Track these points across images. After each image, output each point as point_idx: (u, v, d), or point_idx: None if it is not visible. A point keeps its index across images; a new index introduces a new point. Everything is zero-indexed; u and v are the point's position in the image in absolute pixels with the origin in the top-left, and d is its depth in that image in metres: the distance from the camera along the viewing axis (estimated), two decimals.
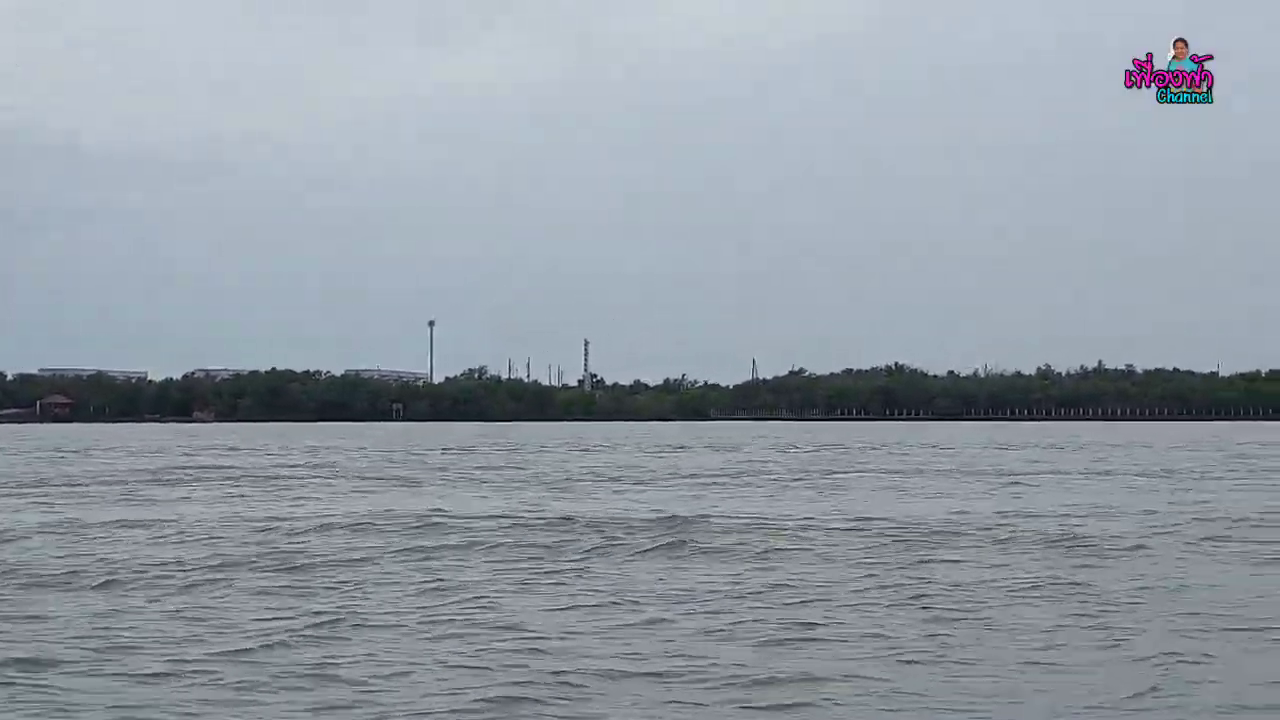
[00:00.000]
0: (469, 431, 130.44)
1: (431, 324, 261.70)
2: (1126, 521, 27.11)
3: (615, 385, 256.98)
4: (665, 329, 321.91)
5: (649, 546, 22.89)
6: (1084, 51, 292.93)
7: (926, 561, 20.68)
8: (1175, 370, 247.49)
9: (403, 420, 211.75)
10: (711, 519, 27.83)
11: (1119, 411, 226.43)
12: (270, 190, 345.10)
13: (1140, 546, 22.60)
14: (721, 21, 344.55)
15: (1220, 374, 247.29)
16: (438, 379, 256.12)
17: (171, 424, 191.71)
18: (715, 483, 43.38)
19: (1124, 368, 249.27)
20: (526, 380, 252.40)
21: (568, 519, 27.76)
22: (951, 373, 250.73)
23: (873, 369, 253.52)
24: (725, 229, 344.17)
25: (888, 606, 16.30)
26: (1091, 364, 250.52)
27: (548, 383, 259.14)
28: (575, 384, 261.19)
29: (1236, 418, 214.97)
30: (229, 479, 45.57)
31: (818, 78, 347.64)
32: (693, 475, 48.11)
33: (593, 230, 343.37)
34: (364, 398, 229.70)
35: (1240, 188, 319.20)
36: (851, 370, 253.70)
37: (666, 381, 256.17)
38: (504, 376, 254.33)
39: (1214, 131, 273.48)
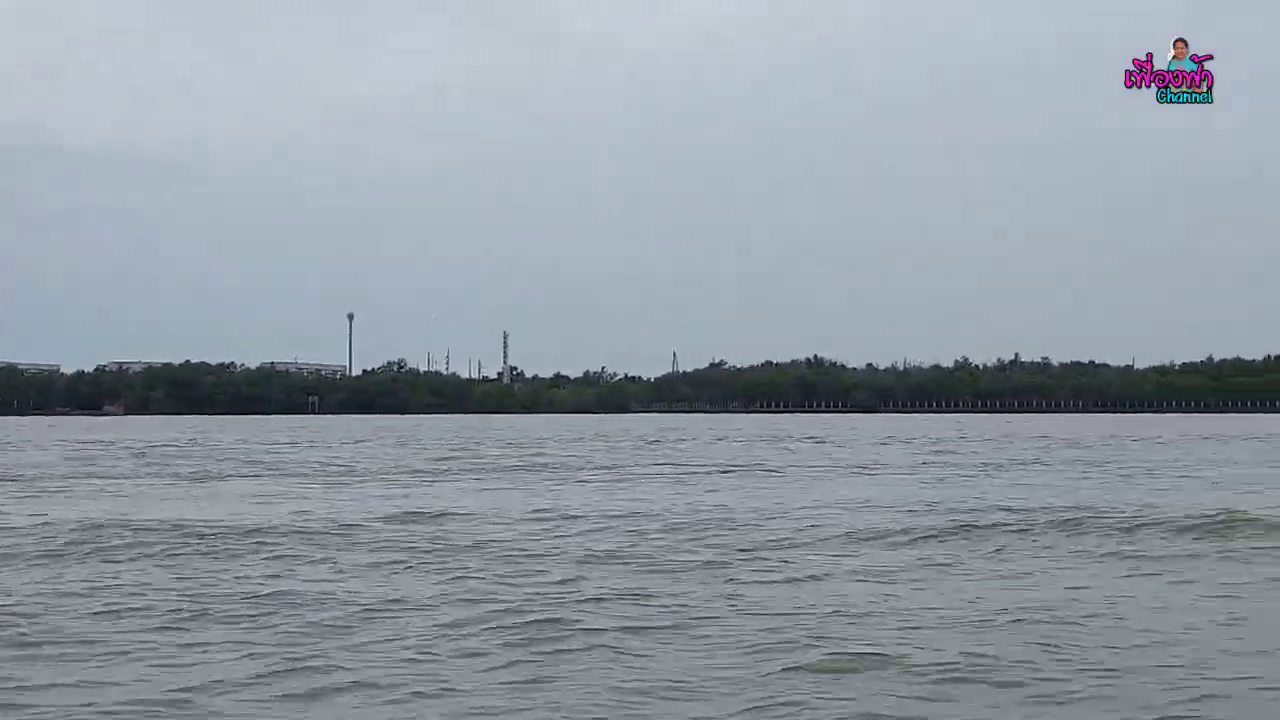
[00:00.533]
0: (365, 426, 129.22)
1: (351, 317, 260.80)
2: (836, 518, 26.55)
3: (535, 378, 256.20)
4: (588, 322, 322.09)
5: (304, 545, 22.16)
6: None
7: (572, 571, 19.99)
8: (1091, 364, 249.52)
9: (318, 413, 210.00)
10: (452, 516, 27.32)
11: (1035, 404, 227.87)
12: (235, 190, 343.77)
13: (789, 544, 22.19)
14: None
15: (1136, 367, 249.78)
16: (357, 372, 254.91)
17: (77, 417, 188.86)
18: (520, 475, 42.72)
19: (1040, 360, 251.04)
20: (445, 373, 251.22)
21: (250, 528, 26.95)
22: (870, 365, 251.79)
23: (793, 361, 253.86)
24: (666, 226, 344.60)
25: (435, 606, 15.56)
26: (1008, 357, 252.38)
27: (467, 375, 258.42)
28: (495, 377, 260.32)
29: (1151, 410, 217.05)
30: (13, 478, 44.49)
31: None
32: (501, 470, 47.42)
33: (533, 228, 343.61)
34: (278, 390, 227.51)
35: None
36: (771, 363, 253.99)
37: (586, 374, 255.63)
38: (423, 369, 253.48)
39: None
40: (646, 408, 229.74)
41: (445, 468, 49.09)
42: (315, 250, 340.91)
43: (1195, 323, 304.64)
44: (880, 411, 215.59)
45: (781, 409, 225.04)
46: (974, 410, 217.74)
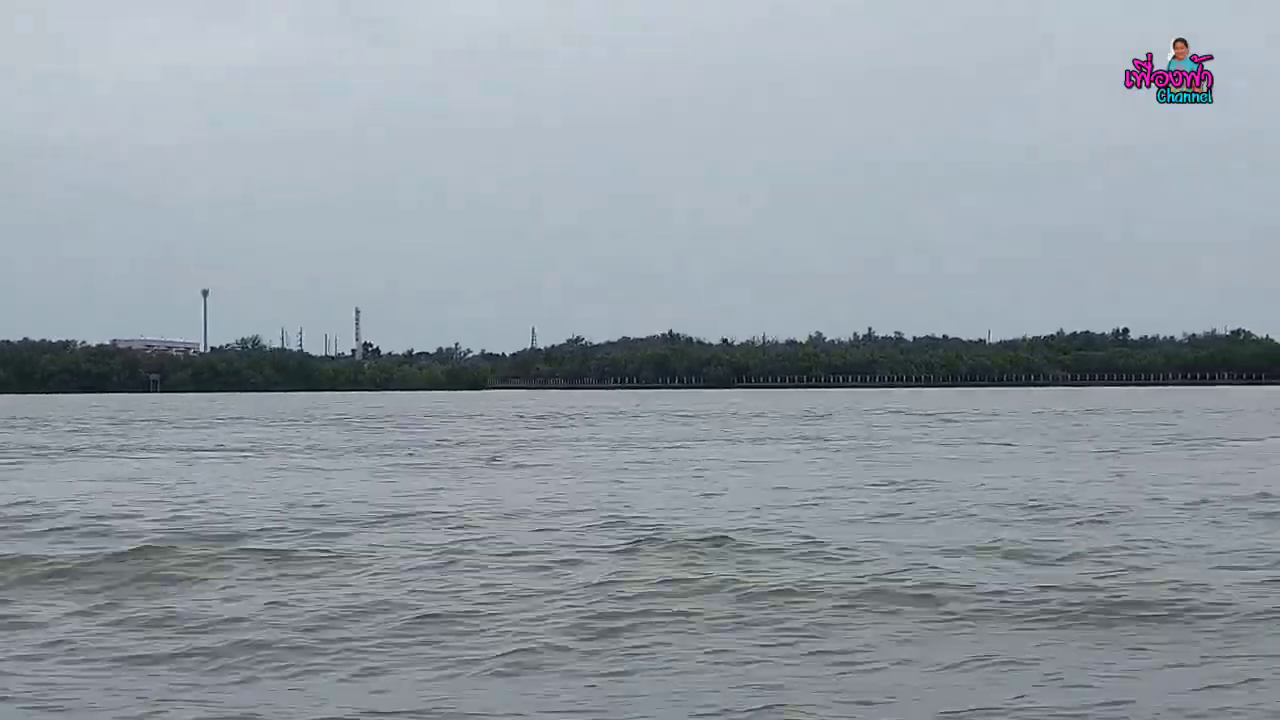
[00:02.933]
0: (187, 403, 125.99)
1: (205, 293, 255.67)
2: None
3: (389, 355, 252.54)
4: (445, 298, 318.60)
5: None
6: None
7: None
8: (944, 338, 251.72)
9: (160, 392, 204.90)
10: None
11: (889, 379, 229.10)
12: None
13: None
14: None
15: (989, 342, 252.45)
16: (209, 350, 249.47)
17: None
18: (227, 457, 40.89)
19: (893, 335, 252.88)
20: (296, 350, 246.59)
21: None
22: (725, 340, 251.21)
23: (650, 337, 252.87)
24: (507, 204, 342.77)
25: None
26: (863, 331, 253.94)
27: (323, 353, 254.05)
28: (350, 354, 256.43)
29: (1001, 384, 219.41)
30: None
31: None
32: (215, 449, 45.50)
33: (373, 203, 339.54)
34: (120, 369, 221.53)
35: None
36: (628, 339, 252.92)
37: (440, 350, 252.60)
38: (278, 346, 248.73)
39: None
40: (505, 384, 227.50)
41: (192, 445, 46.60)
42: (174, 225, 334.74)
43: (1047, 298, 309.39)
44: (735, 387, 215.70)
45: (637, 385, 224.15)
46: (830, 385, 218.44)
